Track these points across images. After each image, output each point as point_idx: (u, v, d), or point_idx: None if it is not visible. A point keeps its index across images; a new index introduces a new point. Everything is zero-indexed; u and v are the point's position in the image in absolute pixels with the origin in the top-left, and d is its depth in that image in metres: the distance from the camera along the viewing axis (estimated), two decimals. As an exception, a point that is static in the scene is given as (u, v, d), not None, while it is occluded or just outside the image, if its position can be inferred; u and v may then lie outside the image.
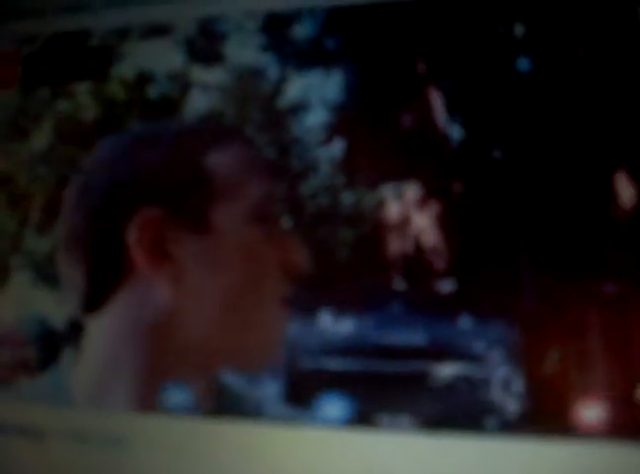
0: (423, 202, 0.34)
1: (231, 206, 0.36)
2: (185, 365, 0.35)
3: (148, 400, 0.35)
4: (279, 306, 0.35)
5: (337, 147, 0.36)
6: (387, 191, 0.35)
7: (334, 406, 0.33)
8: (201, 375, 0.35)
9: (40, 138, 0.40)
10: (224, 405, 0.35)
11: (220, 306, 0.35)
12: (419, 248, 0.34)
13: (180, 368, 0.35)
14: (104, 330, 0.37)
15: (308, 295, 0.34)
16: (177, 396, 0.35)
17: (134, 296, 0.36)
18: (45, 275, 0.39)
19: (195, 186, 0.36)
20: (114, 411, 0.36)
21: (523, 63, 0.34)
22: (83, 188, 0.38)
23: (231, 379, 0.35)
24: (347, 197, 0.35)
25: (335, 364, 0.34)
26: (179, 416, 0.35)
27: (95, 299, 0.37)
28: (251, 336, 0.35)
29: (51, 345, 0.38)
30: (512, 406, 0.32)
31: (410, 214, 0.34)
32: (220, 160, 0.36)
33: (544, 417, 0.31)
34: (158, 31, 0.39)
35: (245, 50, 0.38)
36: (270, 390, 0.34)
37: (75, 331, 0.37)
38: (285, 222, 0.36)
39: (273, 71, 0.37)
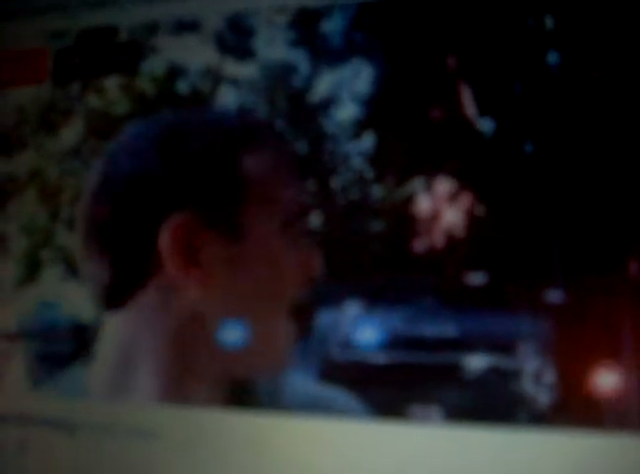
0: (453, 196, 0.34)
1: (264, 211, 0.36)
2: (209, 364, 0.36)
3: (174, 394, 0.36)
4: (291, 312, 0.35)
5: (367, 142, 0.36)
6: (417, 184, 0.35)
7: (365, 396, 0.33)
8: (226, 373, 0.36)
9: (71, 133, 0.41)
10: (252, 397, 0.35)
11: (243, 311, 0.36)
12: (450, 241, 0.34)
13: (204, 367, 0.36)
14: (128, 325, 0.37)
15: (340, 288, 0.35)
16: (203, 390, 0.35)
17: (159, 297, 0.36)
18: (76, 269, 0.39)
19: (229, 188, 0.36)
20: (141, 404, 0.36)
21: (553, 57, 0.34)
22: (105, 173, 0.38)
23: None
24: (377, 191, 0.35)
25: (366, 356, 0.34)
26: (205, 408, 0.35)
27: (117, 295, 0.37)
28: (267, 342, 0.36)
29: (82, 339, 0.38)
30: (543, 398, 0.32)
31: (441, 208, 0.34)
32: (255, 161, 0.36)
33: (575, 409, 0.31)
34: (187, 26, 0.40)
35: (275, 46, 0.38)
36: (301, 381, 0.34)
37: (102, 325, 0.37)
38: (309, 221, 0.36)
39: (303, 66, 0.38)
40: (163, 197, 0.36)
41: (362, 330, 0.34)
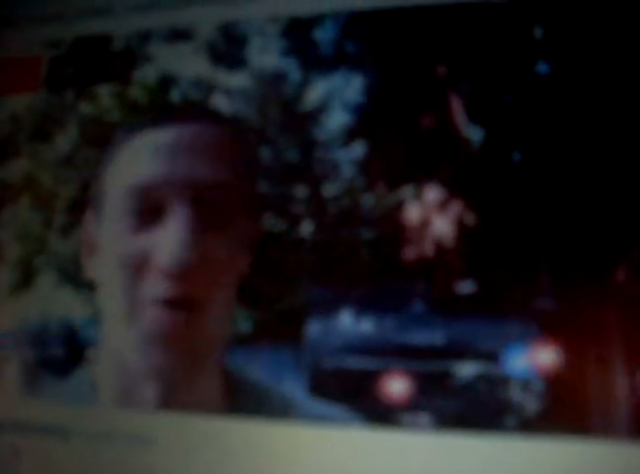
0: (443, 204, 0.35)
1: None
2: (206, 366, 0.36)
3: (172, 400, 0.36)
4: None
5: (358, 149, 0.36)
6: (407, 192, 0.35)
7: (356, 404, 0.34)
8: (224, 375, 0.36)
9: (65, 140, 0.41)
10: (248, 403, 0.35)
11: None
12: (439, 249, 0.34)
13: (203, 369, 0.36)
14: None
15: (330, 295, 0.35)
16: (200, 395, 0.36)
17: None
18: (70, 276, 0.39)
19: None
20: (138, 410, 0.36)
21: (543, 66, 0.35)
22: None
23: (254, 377, 0.35)
24: (367, 199, 0.36)
25: (356, 364, 0.34)
26: (203, 415, 0.35)
27: None
28: None
29: (76, 345, 0.38)
30: (531, 405, 0.32)
31: (430, 216, 0.35)
32: None
33: (563, 416, 0.32)
34: (180, 35, 0.40)
35: (267, 54, 0.38)
36: (293, 389, 0.35)
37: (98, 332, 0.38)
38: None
39: (294, 75, 0.38)
40: None
41: (352, 337, 0.34)
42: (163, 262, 0.34)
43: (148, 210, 0.34)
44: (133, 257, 0.35)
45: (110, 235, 0.36)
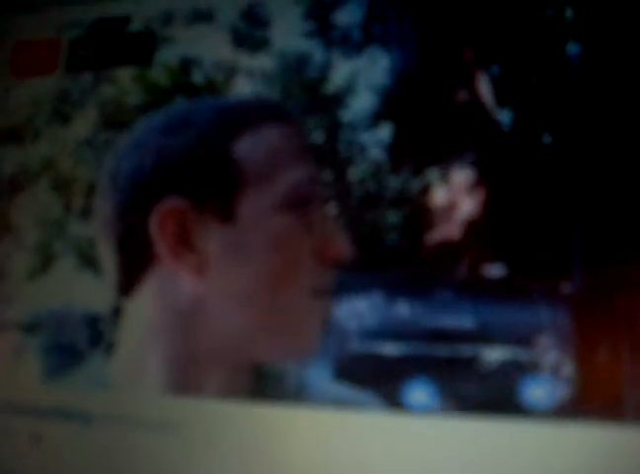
0: (471, 187, 0.34)
1: (259, 195, 0.35)
2: (219, 352, 0.35)
3: (186, 384, 0.35)
4: (311, 296, 0.35)
5: (384, 132, 0.36)
6: (434, 175, 0.35)
7: (382, 390, 0.33)
8: (238, 361, 0.35)
9: (84, 123, 0.40)
10: (267, 388, 0.35)
11: (250, 297, 0.35)
12: (467, 232, 0.34)
13: (214, 355, 0.35)
14: (138, 313, 0.37)
15: (357, 279, 0.34)
16: (218, 380, 0.35)
17: (161, 284, 0.36)
18: (89, 260, 0.39)
19: (220, 174, 0.36)
20: (159, 395, 0.36)
21: (573, 47, 0.34)
22: (114, 173, 0.38)
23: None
24: (394, 182, 0.35)
25: (383, 348, 0.34)
26: (224, 400, 0.35)
27: (126, 284, 0.37)
28: (283, 327, 0.35)
29: (95, 329, 0.38)
30: (561, 390, 0.32)
31: (458, 199, 0.34)
32: (251, 146, 0.36)
33: (594, 401, 0.31)
34: (202, 16, 0.40)
35: (290, 36, 0.38)
36: (316, 374, 0.34)
37: (117, 314, 0.37)
38: (326, 207, 0.36)
39: (318, 57, 0.37)
40: (155, 184, 0.36)
41: (379, 321, 0.34)
42: None
43: None
44: None
45: None
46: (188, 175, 0.36)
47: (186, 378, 0.36)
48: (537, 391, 0.32)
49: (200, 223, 0.35)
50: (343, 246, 0.35)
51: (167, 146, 0.36)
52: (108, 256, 0.37)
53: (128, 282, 0.37)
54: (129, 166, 0.37)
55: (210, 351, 0.35)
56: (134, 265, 0.36)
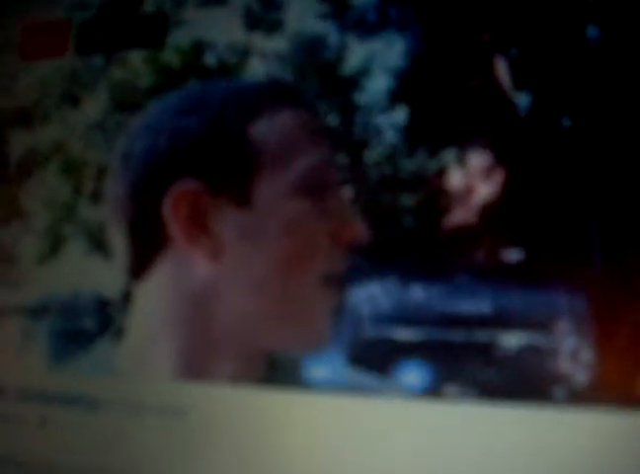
0: (488, 170, 0.34)
1: (274, 179, 0.35)
2: (231, 339, 0.35)
3: (197, 369, 0.35)
4: (324, 284, 0.34)
5: (400, 114, 0.35)
6: (450, 157, 0.34)
7: (398, 375, 0.33)
8: (250, 349, 0.35)
9: (95, 106, 0.40)
10: (279, 376, 0.34)
11: (263, 284, 0.35)
12: (483, 216, 0.33)
13: (226, 342, 0.35)
14: (149, 298, 0.36)
15: (372, 263, 0.34)
16: (229, 367, 0.35)
17: (173, 268, 0.36)
18: (99, 244, 0.38)
19: (236, 157, 0.35)
20: (167, 381, 0.35)
21: (593, 30, 0.34)
22: (126, 154, 0.37)
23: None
24: (409, 165, 0.35)
25: (399, 333, 0.33)
26: (234, 386, 0.34)
27: (137, 267, 0.36)
28: (295, 315, 0.35)
29: (104, 314, 0.37)
30: (580, 376, 0.31)
31: (475, 182, 0.34)
32: (267, 129, 0.35)
33: (613, 387, 0.31)
34: (215, -2, 0.39)
35: (304, 18, 0.37)
36: (331, 359, 0.34)
37: (127, 299, 0.37)
38: (342, 192, 0.35)
39: (333, 39, 0.37)
40: (170, 167, 0.36)
41: (394, 306, 0.34)
42: None
43: None
44: None
45: None
46: (203, 157, 0.35)
47: (197, 364, 0.35)
48: (554, 377, 0.31)
49: (215, 207, 0.35)
50: (359, 230, 0.34)
51: (182, 128, 0.36)
52: (118, 239, 0.37)
53: (139, 266, 0.36)
54: (143, 147, 0.36)
55: (222, 337, 0.35)
56: (146, 248, 0.36)
